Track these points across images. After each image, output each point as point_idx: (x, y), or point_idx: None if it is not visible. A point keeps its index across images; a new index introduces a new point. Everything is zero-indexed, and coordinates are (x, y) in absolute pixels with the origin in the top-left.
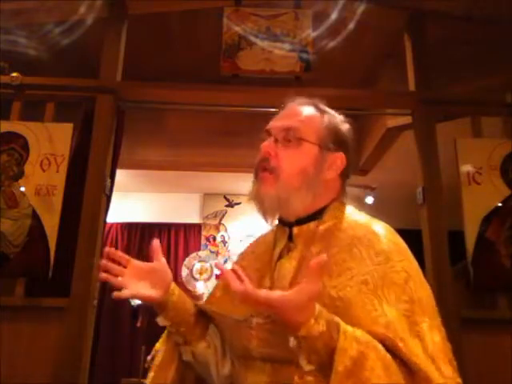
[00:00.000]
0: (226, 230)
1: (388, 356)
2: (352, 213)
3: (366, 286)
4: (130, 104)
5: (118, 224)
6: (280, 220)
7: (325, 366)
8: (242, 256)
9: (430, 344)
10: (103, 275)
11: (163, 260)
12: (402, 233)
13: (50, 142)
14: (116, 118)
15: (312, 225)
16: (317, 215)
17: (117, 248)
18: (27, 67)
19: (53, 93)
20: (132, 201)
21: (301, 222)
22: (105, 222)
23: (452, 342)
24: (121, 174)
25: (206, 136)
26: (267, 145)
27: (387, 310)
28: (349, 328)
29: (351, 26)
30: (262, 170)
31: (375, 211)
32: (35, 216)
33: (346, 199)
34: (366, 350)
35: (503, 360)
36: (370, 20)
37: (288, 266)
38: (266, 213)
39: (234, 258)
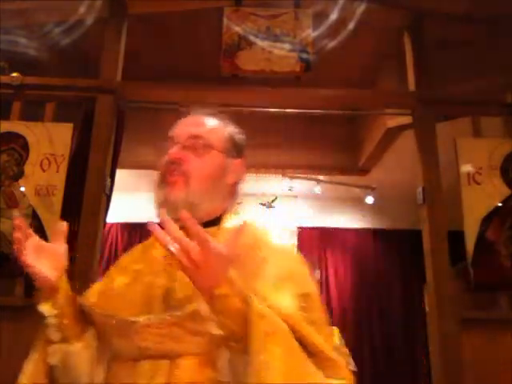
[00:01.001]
0: None
1: (291, 333)
2: (243, 220)
3: (269, 280)
4: (129, 104)
5: (117, 224)
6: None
7: (234, 335)
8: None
9: (323, 333)
10: (15, 246)
11: (65, 245)
12: (402, 233)
13: (49, 142)
14: (116, 118)
15: (213, 229)
16: (216, 221)
17: (117, 248)
18: (27, 67)
19: (53, 93)
20: (132, 201)
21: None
22: (105, 221)
23: (452, 341)
24: (121, 174)
25: None
26: (177, 151)
27: (287, 300)
28: (259, 302)
29: (351, 26)
30: (171, 173)
31: (375, 211)
32: (35, 216)
33: (235, 205)
34: (276, 322)
35: (503, 360)
36: (370, 20)
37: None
38: (174, 217)
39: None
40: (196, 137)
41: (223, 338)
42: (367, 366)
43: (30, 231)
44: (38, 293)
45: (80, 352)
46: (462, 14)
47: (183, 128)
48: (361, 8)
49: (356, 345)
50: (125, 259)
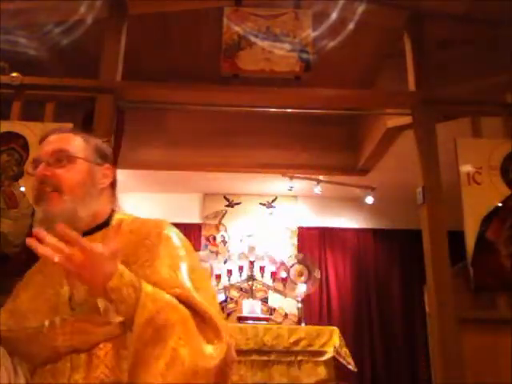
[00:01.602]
0: (225, 230)
1: (180, 306)
2: (127, 215)
3: (162, 261)
4: (129, 104)
5: None
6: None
7: (130, 318)
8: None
9: (208, 298)
10: None
11: None
12: (402, 233)
13: None
14: (116, 118)
15: (100, 234)
16: (103, 225)
17: None
18: (27, 67)
19: (53, 93)
20: (132, 201)
21: (89, 232)
22: None
23: (452, 342)
24: (121, 174)
25: (206, 136)
26: (42, 169)
27: (179, 275)
28: (149, 287)
29: (351, 26)
30: (44, 191)
31: (375, 211)
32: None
33: (117, 205)
34: (162, 305)
35: (503, 360)
36: (370, 20)
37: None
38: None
39: (234, 257)
40: (59, 151)
41: (126, 323)
42: (367, 366)
43: None
44: None
45: None
46: (462, 14)
47: (45, 147)
48: (361, 8)
49: (356, 345)
50: (28, 274)
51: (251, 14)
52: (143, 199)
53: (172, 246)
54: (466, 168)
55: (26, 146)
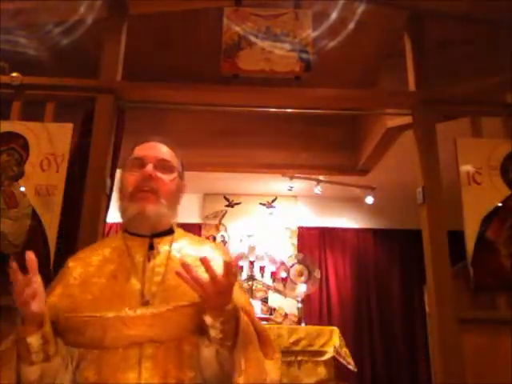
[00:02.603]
0: (225, 230)
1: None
2: (184, 231)
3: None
4: (129, 104)
5: (117, 224)
6: (133, 232)
7: (228, 337)
8: (84, 260)
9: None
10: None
11: (39, 276)
12: (402, 233)
13: (49, 142)
14: (116, 117)
15: (168, 238)
16: (170, 231)
17: None
18: (27, 67)
19: (53, 93)
20: None
21: (159, 235)
22: (105, 221)
23: (452, 342)
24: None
25: (206, 136)
26: (150, 169)
27: (242, 295)
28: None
29: (351, 26)
30: (143, 190)
31: (375, 211)
32: (35, 216)
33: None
34: (248, 322)
35: (503, 360)
36: (370, 20)
37: (158, 268)
38: (146, 227)
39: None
40: (163, 160)
41: (220, 339)
42: (367, 366)
43: (27, 278)
44: (23, 327)
45: (57, 365)
46: (462, 13)
47: (151, 151)
48: (360, 8)
49: (356, 345)
50: (92, 258)
51: (251, 14)
52: None
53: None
54: (466, 168)
55: (26, 146)
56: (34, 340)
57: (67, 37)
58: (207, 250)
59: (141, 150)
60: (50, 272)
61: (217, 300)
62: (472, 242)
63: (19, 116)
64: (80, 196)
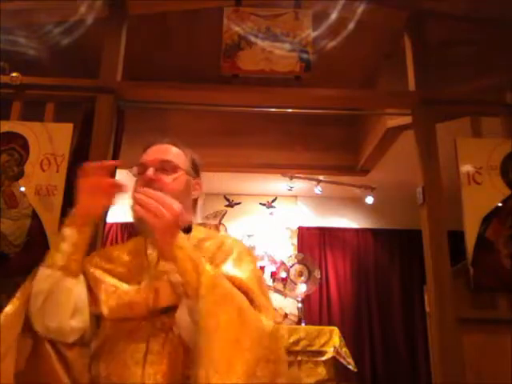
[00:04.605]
0: (226, 230)
1: (234, 288)
2: (203, 228)
3: (232, 261)
4: (129, 104)
5: (117, 224)
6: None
7: (190, 283)
8: (111, 254)
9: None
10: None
11: (112, 179)
12: (402, 233)
13: (50, 142)
14: (116, 117)
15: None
16: (186, 230)
17: None
18: (27, 67)
19: (53, 93)
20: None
21: None
22: (105, 221)
23: (452, 341)
24: (121, 174)
25: (206, 136)
26: (150, 173)
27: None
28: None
29: (351, 26)
30: None
31: (375, 211)
32: (35, 216)
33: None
34: (219, 278)
35: (503, 360)
36: (370, 20)
37: (168, 266)
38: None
39: None
40: (165, 161)
41: (183, 286)
42: (367, 366)
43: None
44: (70, 217)
45: (71, 286)
46: (462, 13)
47: (152, 155)
48: (360, 8)
49: (356, 345)
50: (111, 251)
51: (251, 14)
52: None
53: (239, 250)
54: (466, 168)
55: (26, 146)
56: (69, 232)
57: (67, 37)
58: (228, 243)
59: (144, 156)
60: None
61: (162, 230)
62: (472, 241)
63: (19, 116)
64: None
